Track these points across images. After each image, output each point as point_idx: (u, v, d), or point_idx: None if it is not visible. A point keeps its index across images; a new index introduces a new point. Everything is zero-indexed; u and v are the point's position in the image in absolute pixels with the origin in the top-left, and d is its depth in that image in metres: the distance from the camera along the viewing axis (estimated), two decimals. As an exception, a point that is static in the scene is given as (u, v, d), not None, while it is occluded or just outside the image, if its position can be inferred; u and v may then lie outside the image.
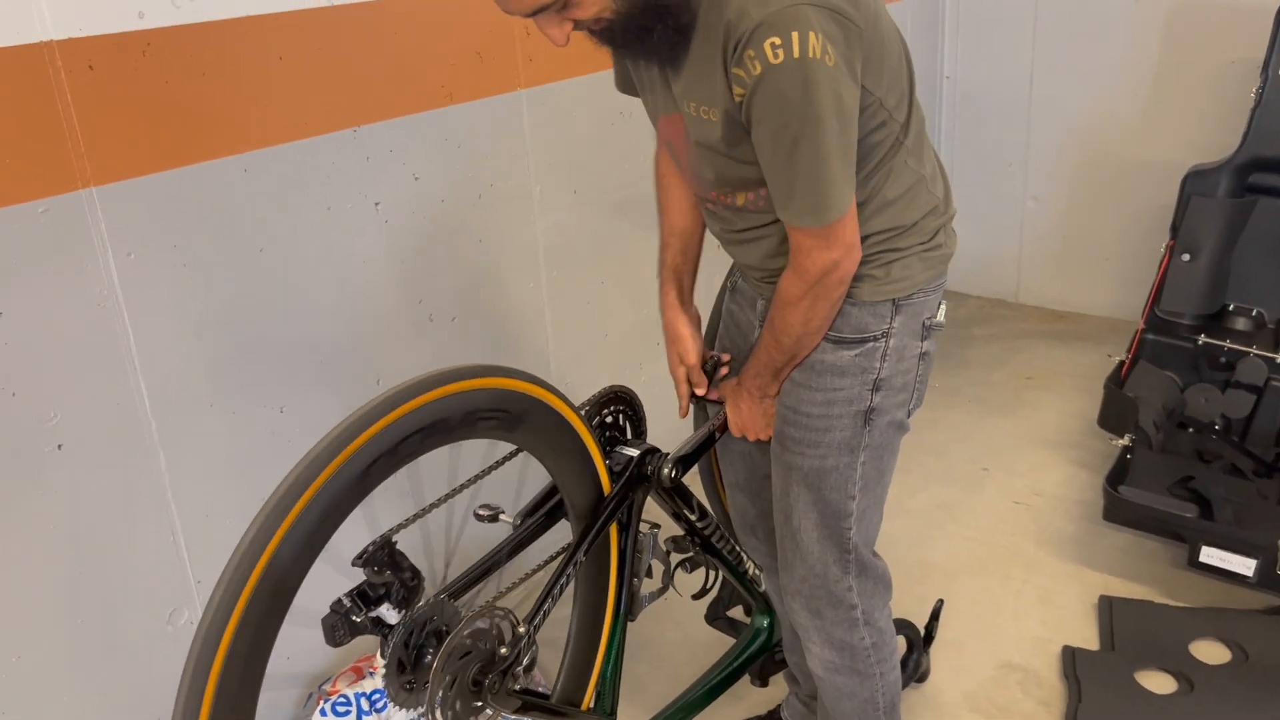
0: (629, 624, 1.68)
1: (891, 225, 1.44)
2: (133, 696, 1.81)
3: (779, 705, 2.08)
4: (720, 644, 2.16)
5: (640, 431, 1.72)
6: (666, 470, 1.60)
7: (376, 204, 2.03)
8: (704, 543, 1.84)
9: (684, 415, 1.77)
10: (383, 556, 1.28)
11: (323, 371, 2.01)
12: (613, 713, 1.70)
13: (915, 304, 1.48)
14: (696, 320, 1.72)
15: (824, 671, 1.66)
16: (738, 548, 1.93)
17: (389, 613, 1.29)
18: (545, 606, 1.42)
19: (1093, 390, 3.35)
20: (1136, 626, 2.29)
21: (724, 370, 1.72)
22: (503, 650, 1.33)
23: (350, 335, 2.05)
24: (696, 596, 1.90)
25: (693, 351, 1.69)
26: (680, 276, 1.70)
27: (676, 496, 1.73)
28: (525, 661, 1.38)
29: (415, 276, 2.14)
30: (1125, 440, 2.55)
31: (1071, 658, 2.21)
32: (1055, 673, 2.21)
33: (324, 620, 1.25)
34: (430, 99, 2.09)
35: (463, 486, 1.50)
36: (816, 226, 1.32)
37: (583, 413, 1.50)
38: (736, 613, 2.18)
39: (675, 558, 1.84)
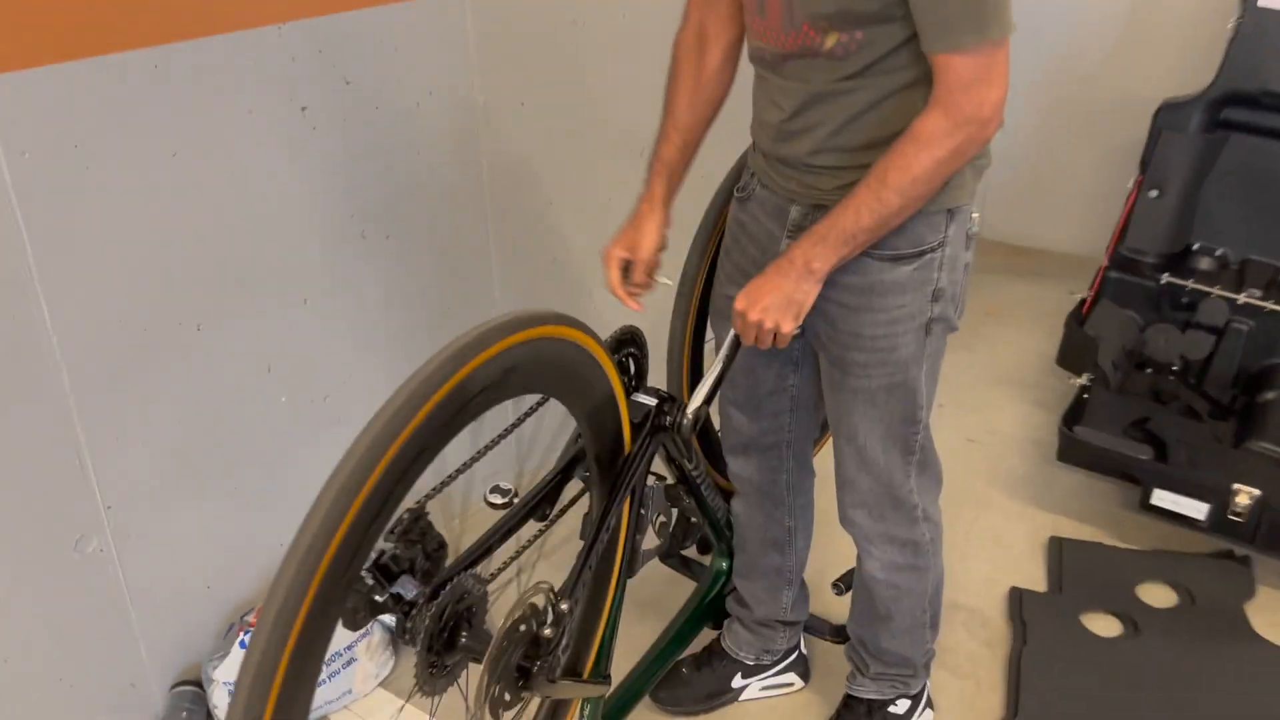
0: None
1: None
2: (43, 624, 1.72)
3: (716, 638, 2.03)
4: (664, 582, 2.10)
5: (645, 373, 1.62)
6: (687, 421, 1.52)
7: (303, 109, 1.88)
8: (692, 490, 1.76)
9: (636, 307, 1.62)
10: (417, 528, 1.17)
11: (243, 288, 1.88)
12: (608, 676, 1.64)
13: (963, 212, 1.44)
14: (665, 226, 1.60)
15: (884, 572, 1.69)
16: (717, 492, 1.86)
17: (408, 588, 1.16)
18: (583, 578, 1.32)
19: (1053, 328, 3.28)
20: (1085, 568, 2.26)
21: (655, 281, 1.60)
22: (546, 632, 1.24)
23: (274, 249, 1.91)
24: (662, 551, 1.82)
25: (646, 248, 1.58)
26: (672, 173, 1.59)
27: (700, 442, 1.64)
28: (565, 641, 1.29)
29: (346, 189, 2.01)
30: (1083, 380, 2.49)
31: (1018, 599, 2.18)
32: (1001, 614, 2.18)
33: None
34: (364, -4, 1.93)
35: (489, 446, 1.40)
36: (980, 44, 1.23)
37: (610, 350, 1.40)
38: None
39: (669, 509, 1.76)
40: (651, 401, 1.50)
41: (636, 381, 1.60)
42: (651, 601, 2.19)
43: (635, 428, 1.46)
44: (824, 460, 1.76)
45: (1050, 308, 3.41)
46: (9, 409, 1.59)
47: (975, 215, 1.49)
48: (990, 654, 2.07)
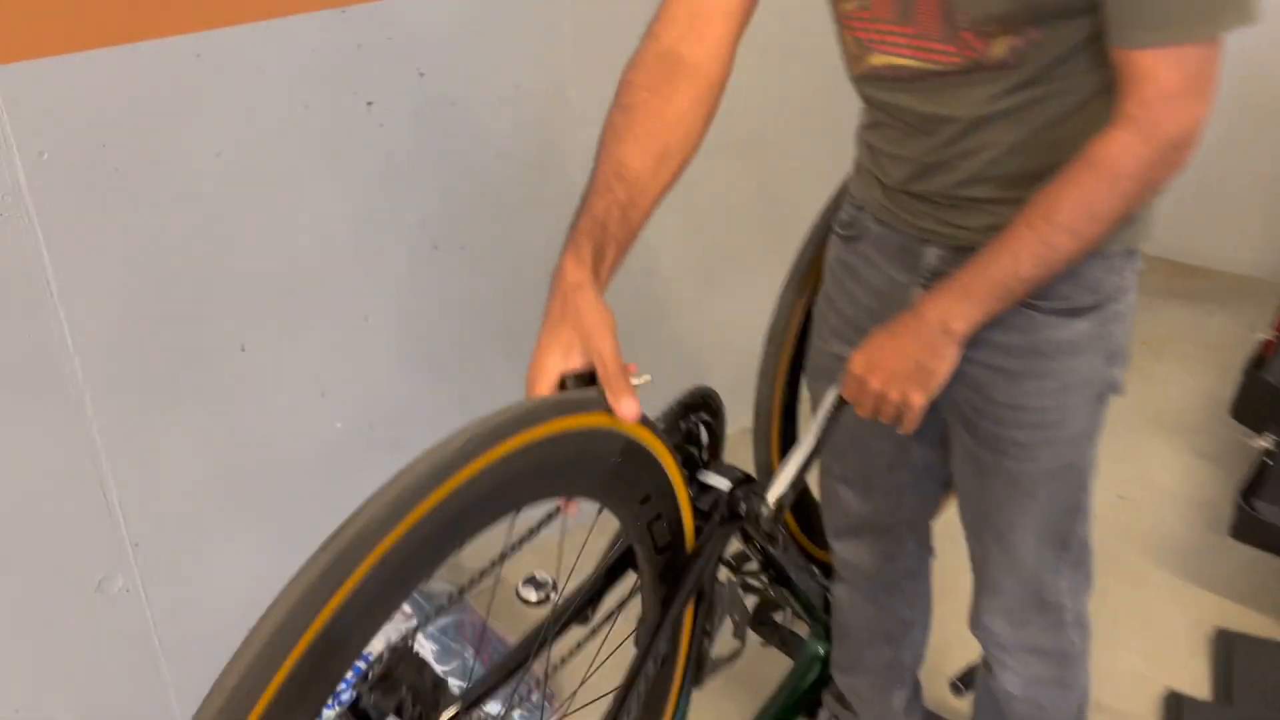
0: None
1: None
2: (63, 671, 1.57)
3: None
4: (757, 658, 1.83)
5: (719, 442, 1.27)
6: (768, 511, 1.20)
7: (369, 104, 1.66)
8: (779, 576, 1.49)
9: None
10: (403, 670, 0.94)
11: (296, 304, 1.68)
12: None
13: (1138, 249, 1.17)
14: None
15: (1024, 688, 1.41)
16: (814, 574, 1.59)
17: None
18: (626, 706, 1.05)
19: (1224, 366, 2.86)
20: (1262, 673, 1.89)
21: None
22: None
23: (332, 261, 1.71)
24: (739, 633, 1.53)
25: (600, 340, 0.93)
26: (605, 243, 0.99)
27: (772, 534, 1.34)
28: None
29: (417, 195, 1.78)
30: (1266, 443, 2.10)
31: (1176, 708, 1.83)
32: (1155, 723, 1.84)
33: None
34: (444, -25, 1.70)
35: (505, 556, 1.07)
36: (1199, 39, 0.94)
37: (664, 435, 1.06)
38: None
39: (750, 601, 1.48)
40: (724, 485, 1.19)
41: (710, 454, 1.28)
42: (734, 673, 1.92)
43: (701, 515, 1.17)
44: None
45: (1220, 339, 2.98)
46: (26, 437, 1.43)
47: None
48: (1140, 775, 1.75)
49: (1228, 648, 1.95)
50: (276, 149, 1.57)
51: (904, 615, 1.56)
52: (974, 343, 1.14)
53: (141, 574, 1.60)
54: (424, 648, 1.84)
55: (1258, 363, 2.31)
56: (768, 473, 1.64)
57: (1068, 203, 1.02)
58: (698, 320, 2.44)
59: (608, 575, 1.15)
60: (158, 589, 1.63)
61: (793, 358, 1.59)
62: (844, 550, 1.53)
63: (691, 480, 1.17)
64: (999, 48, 1.02)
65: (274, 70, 1.53)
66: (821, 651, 1.75)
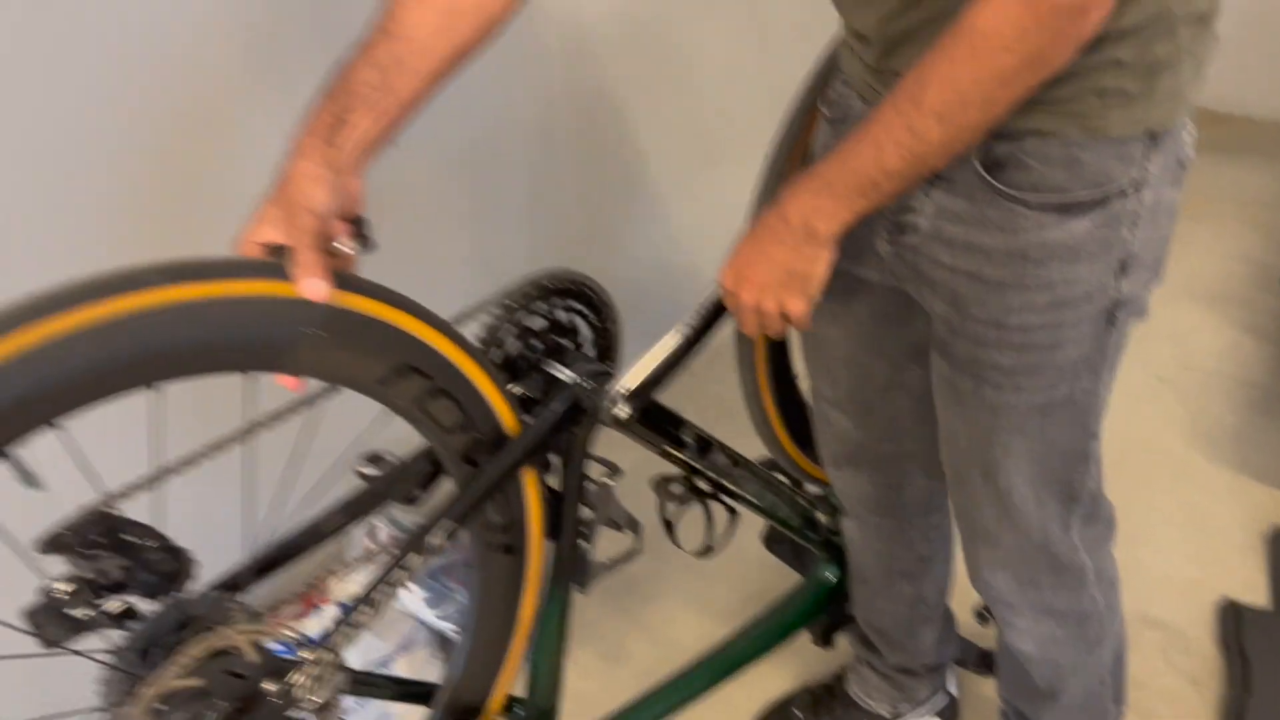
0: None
1: None
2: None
3: (841, 672, 1.61)
4: (770, 572, 1.68)
5: (607, 338, 1.19)
6: (610, 405, 1.11)
7: None
8: (715, 485, 1.33)
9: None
10: (94, 538, 0.84)
11: (228, 217, 1.45)
12: (551, 712, 1.29)
13: (1175, 133, 0.93)
14: (347, 176, 0.86)
15: (1039, 648, 1.26)
16: (775, 482, 1.41)
17: (143, 603, 0.90)
18: (356, 616, 0.96)
19: (1270, 226, 2.65)
20: (1325, 576, 1.75)
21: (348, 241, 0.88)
22: (268, 687, 0.89)
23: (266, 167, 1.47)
24: (703, 554, 1.39)
25: (321, 196, 0.83)
26: (350, 107, 0.84)
27: (653, 432, 1.21)
28: (317, 701, 0.93)
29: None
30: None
31: (1234, 618, 1.68)
32: (1210, 635, 1.69)
33: (29, 614, 0.84)
34: None
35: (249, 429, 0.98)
36: None
37: (491, 314, 1.07)
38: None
39: (670, 507, 1.33)
40: (562, 375, 1.11)
41: (601, 354, 1.19)
42: (759, 595, 1.78)
43: (528, 406, 1.09)
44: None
45: (1264, 197, 2.75)
46: None
47: (1190, 133, 0.97)
48: (1197, 694, 1.61)
49: (1286, 547, 1.80)
50: (192, 32, 1.31)
51: (921, 550, 1.41)
52: (950, 244, 0.97)
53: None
54: (414, 592, 1.68)
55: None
56: (764, 422, 1.46)
57: (935, 82, 0.84)
58: (691, 200, 2.20)
59: (435, 459, 1.06)
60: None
61: None
62: (843, 480, 1.36)
63: (536, 372, 1.13)
64: None
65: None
66: (829, 576, 1.60)
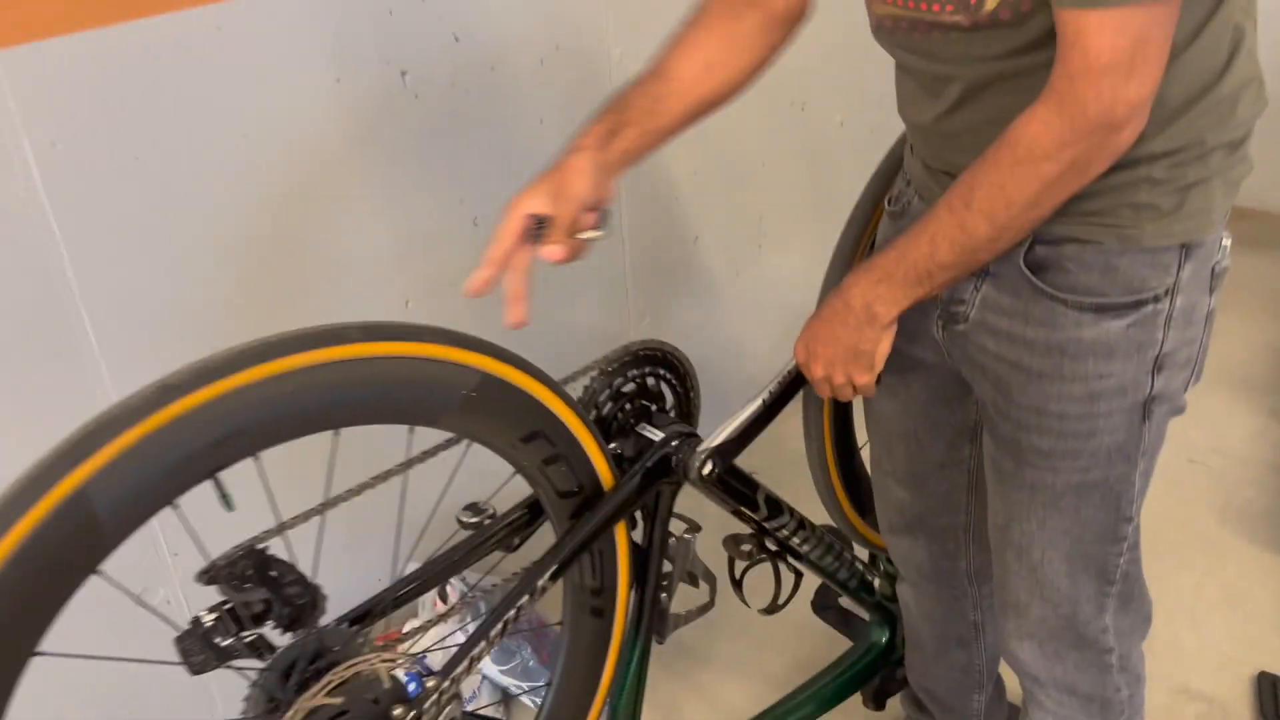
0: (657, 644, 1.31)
1: (1197, 99, 0.93)
2: (104, 690, 1.49)
3: (892, 733, 1.68)
4: (824, 635, 1.75)
5: (687, 402, 1.28)
6: (698, 464, 1.19)
7: (403, 74, 1.53)
8: (781, 546, 1.41)
9: (473, 288, 1.01)
10: (243, 570, 0.93)
11: (333, 291, 1.57)
12: None
13: (1208, 245, 1.00)
14: (608, 173, 1.06)
15: None
16: (836, 547, 1.49)
17: (276, 635, 0.96)
18: (476, 651, 1.04)
19: (1293, 317, 2.75)
20: (1358, 653, 1.80)
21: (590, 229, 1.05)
22: (397, 712, 0.96)
23: (370, 243, 1.59)
24: (768, 611, 1.46)
25: (573, 192, 1.01)
26: (624, 124, 1.07)
27: (728, 492, 1.30)
28: None
29: (455, 169, 1.66)
30: (1359, 405, 1.99)
31: (1272, 689, 1.74)
32: (1249, 708, 1.74)
33: (177, 640, 0.92)
34: (479, -72, 1.56)
35: (385, 476, 1.07)
36: (1139, 4, 0.82)
37: (589, 379, 1.16)
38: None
39: (740, 564, 1.42)
40: (655, 435, 1.20)
41: (678, 414, 1.28)
42: (807, 660, 1.85)
43: (625, 464, 1.18)
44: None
45: (1284, 288, 2.86)
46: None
47: (1227, 243, 1.05)
48: (1236, 764, 1.66)
49: (1320, 625, 1.86)
50: (307, 128, 1.45)
51: (973, 618, 1.47)
52: (995, 334, 1.06)
53: (182, 585, 1.52)
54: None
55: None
56: (827, 488, 1.55)
57: (983, 185, 0.93)
58: (747, 284, 2.32)
59: (533, 506, 1.15)
60: (200, 599, 1.54)
61: None
62: (900, 548, 1.43)
63: (629, 432, 1.21)
64: (992, 1, 0.90)
65: (302, 42, 1.40)
66: (880, 640, 1.67)
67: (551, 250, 1.00)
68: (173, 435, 0.78)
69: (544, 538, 1.14)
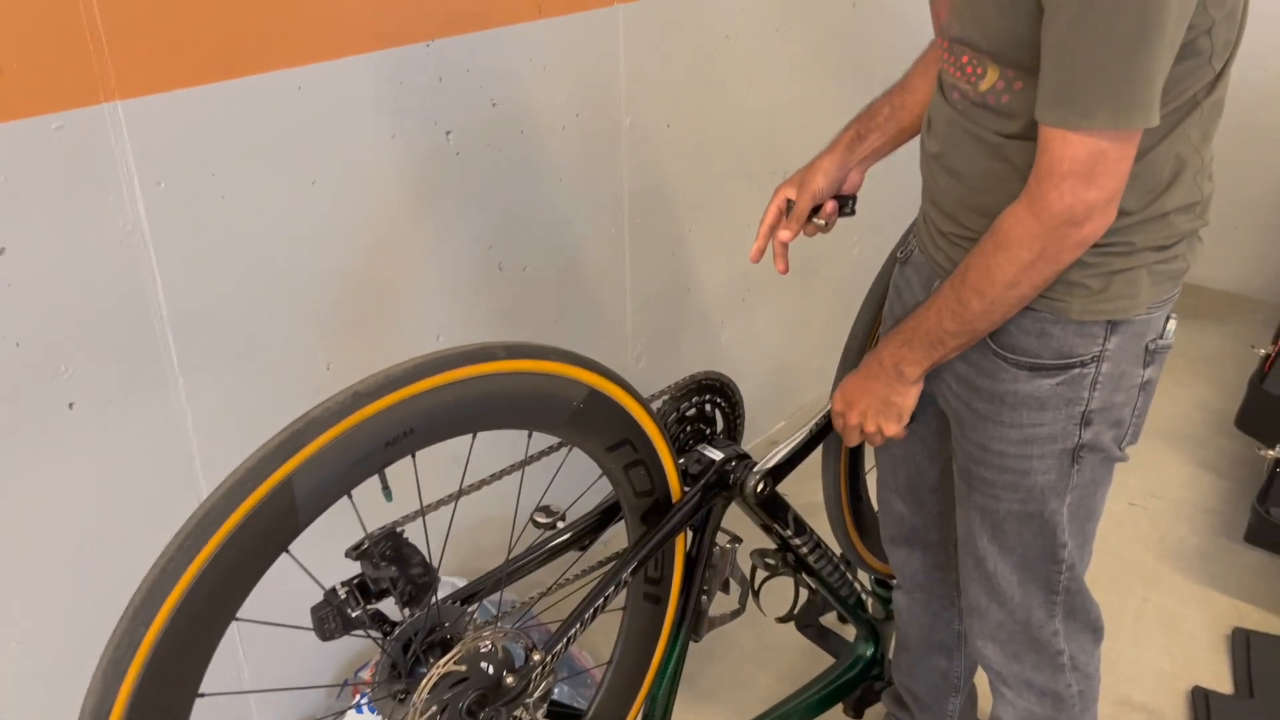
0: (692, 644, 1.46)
1: (1132, 211, 1.09)
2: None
3: (871, 733, 1.84)
4: (802, 653, 1.92)
5: (735, 426, 1.47)
6: (752, 483, 1.39)
7: (448, 133, 1.73)
8: (799, 562, 1.59)
9: (754, 256, 1.46)
10: (384, 550, 1.05)
11: (377, 325, 1.75)
12: None
13: (1137, 324, 1.16)
14: (845, 168, 1.41)
15: None
16: (841, 568, 1.67)
17: (393, 610, 1.09)
18: (573, 631, 1.19)
19: (1217, 378, 3.03)
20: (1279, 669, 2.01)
21: (828, 216, 1.41)
22: (509, 680, 1.10)
23: (409, 284, 1.78)
24: (784, 619, 1.64)
25: (814, 184, 1.39)
26: (869, 129, 1.40)
27: (767, 510, 1.48)
28: (537, 693, 1.16)
29: (486, 219, 1.86)
30: (1276, 452, 2.23)
31: (1204, 702, 1.94)
32: (1184, 717, 1.95)
33: (314, 609, 1.03)
34: (516, 11, 1.77)
35: (494, 477, 1.24)
36: (1100, 130, 0.97)
37: (661, 402, 1.32)
38: (830, 619, 1.93)
39: (760, 575, 1.59)
40: (716, 455, 1.38)
41: (727, 435, 1.46)
42: (789, 675, 2.02)
43: (690, 480, 1.34)
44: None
45: (1211, 353, 3.13)
46: (132, 455, 1.48)
47: (1171, 325, 1.20)
48: (1174, 765, 1.85)
49: (1245, 645, 2.07)
50: (364, 177, 1.64)
51: (957, 627, 1.63)
52: (957, 378, 1.25)
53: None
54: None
55: (1260, 376, 2.45)
56: (838, 517, 1.73)
57: (975, 267, 1.10)
58: (731, 334, 2.53)
59: (605, 512, 1.31)
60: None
61: None
62: (897, 558, 1.61)
63: (689, 449, 1.40)
64: (989, 79, 1.08)
65: (366, 102, 1.60)
66: (866, 654, 1.84)
67: (783, 234, 1.40)
68: (360, 435, 0.91)
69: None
